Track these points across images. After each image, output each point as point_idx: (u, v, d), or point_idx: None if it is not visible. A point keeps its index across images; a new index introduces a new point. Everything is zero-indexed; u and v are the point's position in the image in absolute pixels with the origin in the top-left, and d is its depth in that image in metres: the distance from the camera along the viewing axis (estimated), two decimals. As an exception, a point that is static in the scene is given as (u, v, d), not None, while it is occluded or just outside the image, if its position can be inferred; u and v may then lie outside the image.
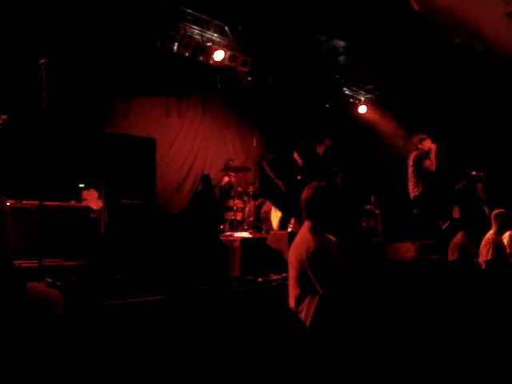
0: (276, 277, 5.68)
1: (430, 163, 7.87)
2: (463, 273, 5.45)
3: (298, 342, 3.54)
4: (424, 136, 8.10)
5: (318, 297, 3.49)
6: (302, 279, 3.61)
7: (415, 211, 8.00)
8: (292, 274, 3.72)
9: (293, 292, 3.71)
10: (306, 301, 3.57)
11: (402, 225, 8.95)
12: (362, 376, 3.30)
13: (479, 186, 9.33)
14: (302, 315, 3.58)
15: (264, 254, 6.60)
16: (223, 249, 6.59)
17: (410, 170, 8.05)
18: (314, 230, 3.73)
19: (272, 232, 8.21)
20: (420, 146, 8.02)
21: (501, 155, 10.10)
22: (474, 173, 9.29)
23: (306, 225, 3.81)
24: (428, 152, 7.94)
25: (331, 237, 3.89)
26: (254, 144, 9.25)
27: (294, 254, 3.70)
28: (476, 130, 10.54)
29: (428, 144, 7.96)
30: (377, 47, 9.68)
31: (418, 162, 7.94)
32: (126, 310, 4.01)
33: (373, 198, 11.08)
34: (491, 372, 3.77)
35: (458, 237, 5.78)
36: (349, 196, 10.65)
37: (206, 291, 4.80)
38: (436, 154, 7.93)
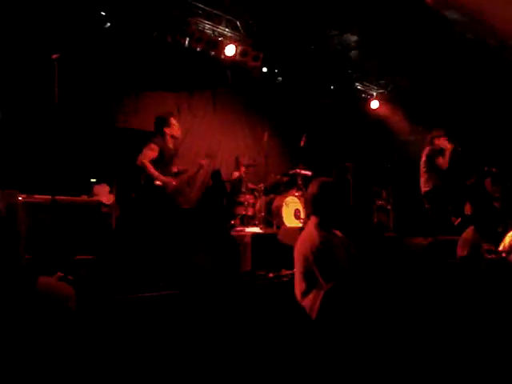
0: (287, 272, 5.68)
1: (443, 161, 7.83)
2: (472, 269, 5.39)
3: (305, 335, 3.54)
4: (441, 133, 8.05)
5: (323, 291, 3.50)
6: (307, 274, 3.61)
7: (427, 206, 7.97)
8: (298, 268, 3.73)
9: (298, 286, 3.72)
10: (312, 295, 3.58)
11: (413, 220, 8.92)
12: (366, 369, 3.29)
13: (488, 181, 9.28)
14: (308, 309, 3.59)
15: (275, 250, 6.59)
16: (234, 244, 6.58)
17: (422, 165, 8.01)
18: (320, 226, 3.73)
19: (283, 227, 8.19)
20: (437, 142, 7.98)
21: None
22: (486, 168, 9.23)
23: (312, 220, 3.81)
24: (442, 150, 7.91)
25: (338, 232, 3.89)
26: (265, 139, 9.21)
27: (300, 249, 3.71)
28: (489, 125, 10.46)
29: (445, 143, 7.92)
30: (389, 42, 9.63)
31: (431, 157, 7.90)
32: (137, 304, 4.02)
33: (384, 194, 11.03)
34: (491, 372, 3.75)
35: (468, 232, 5.71)
36: (360, 192, 10.62)
37: (217, 286, 4.80)
38: (451, 154, 7.88)
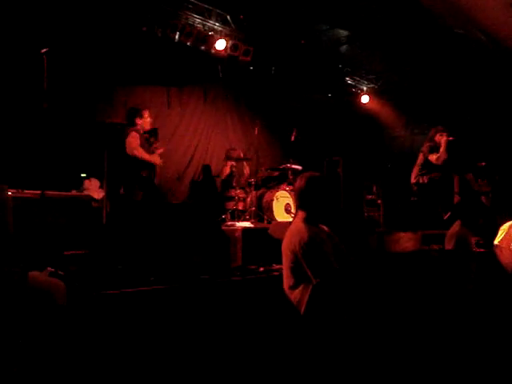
0: (278, 266, 5.68)
1: (438, 157, 7.94)
2: (459, 263, 5.42)
3: (293, 330, 3.55)
4: (441, 128, 8.17)
5: (311, 286, 3.51)
6: (295, 269, 3.62)
7: (413, 198, 8.10)
8: (286, 263, 3.74)
9: (286, 280, 3.73)
10: (300, 290, 3.59)
11: (403, 215, 8.96)
12: (355, 365, 3.31)
13: (470, 176, 9.34)
14: (296, 303, 3.60)
15: (266, 244, 6.59)
16: (225, 238, 6.58)
17: (419, 158, 8.15)
18: (307, 220, 3.74)
19: (274, 222, 8.21)
20: (435, 139, 8.11)
21: (504, 146, 10.07)
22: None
23: (300, 215, 3.82)
24: (438, 146, 8.02)
25: (324, 227, 3.90)
26: (256, 133, 9.22)
27: (288, 244, 3.72)
28: (479, 119, 10.51)
29: (443, 138, 8.02)
30: (379, 37, 9.65)
31: (427, 152, 8.04)
32: (127, 299, 4.01)
33: (375, 188, 11.07)
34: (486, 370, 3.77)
35: (455, 226, 5.76)
36: (350, 186, 10.65)
37: (207, 281, 4.80)
38: (446, 149, 7.97)
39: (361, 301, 3.54)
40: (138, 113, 7.29)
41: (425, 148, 8.15)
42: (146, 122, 7.34)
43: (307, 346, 3.38)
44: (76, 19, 7.64)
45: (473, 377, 3.66)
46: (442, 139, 8.04)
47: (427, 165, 8.05)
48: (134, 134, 7.09)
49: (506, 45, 8.42)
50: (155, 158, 7.31)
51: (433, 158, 7.97)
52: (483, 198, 9.17)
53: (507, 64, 9.23)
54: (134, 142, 7.07)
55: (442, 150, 7.96)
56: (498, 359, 3.85)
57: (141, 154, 7.07)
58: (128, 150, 7.05)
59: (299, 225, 3.72)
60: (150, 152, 7.30)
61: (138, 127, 7.24)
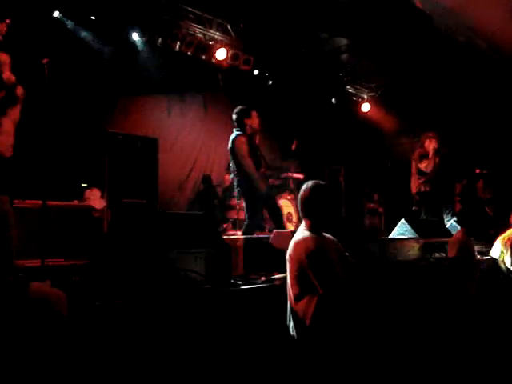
0: (279, 276, 5.66)
1: (427, 163, 7.92)
2: (461, 270, 5.41)
3: (298, 341, 3.52)
4: (431, 135, 8.14)
5: (317, 296, 3.48)
6: (300, 278, 3.60)
7: (415, 208, 8.07)
8: (291, 272, 3.71)
9: (291, 290, 3.70)
10: (305, 299, 3.56)
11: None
12: (360, 375, 3.29)
13: (480, 184, 9.33)
14: (301, 314, 3.57)
15: (267, 253, 6.57)
16: (226, 248, 6.56)
17: (413, 166, 8.14)
18: (312, 229, 3.73)
19: (275, 231, 8.18)
20: (425, 145, 8.08)
21: (504, 153, 10.07)
22: (477, 171, 9.28)
23: (304, 223, 3.80)
24: (427, 153, 8.01)
25: (329, 236, 3.88)
26: (257, 142, 9.22)
27: (293, 253, 3.69)
28: (479, 127, 10.51)
29: (431, 144, 8.00)
30: (380, 45, 9.66)
31: (417, 160, 8.03)
32: (129, 309, 3.99)
33: (376, 196, 11.07)
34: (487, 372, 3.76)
35: (458, 234, 5.77)
36: (352, 195, 10.64)
37: (209, 290, 4.78)
38: (435, 155, 7.96)
39: (366, 309, 3.52)
40: (246, 112, 6.78)
41: (416, 155, 8.14)
42: (254, 122, 6.80)
43: (312, 357, 3.36)
44: (77, 29, 7.67)
45: (475, 379, 3.65)
46: (430, 146, 8.02)
47: (419, 172, 8.05)
48: (242, 139, 6.62)
49: (508, 53, 8.44)
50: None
51: (422, 166, 7.96)
52: (487, 206, 9.18)
53: (508, 72, 9.25)
54: (243, 149, 6.56)
55: (430, 157, 7.95)
56: (499, 363, 3.84)
57: (251, 167, 6.54)
58: (239, 157, 6.56)
59: (305, 233, 3.71)
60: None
61: (247, 128, 6.72)
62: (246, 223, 6.74)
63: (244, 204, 6.80)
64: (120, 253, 5.56)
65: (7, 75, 4.93)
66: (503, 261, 6.20)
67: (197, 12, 8.89)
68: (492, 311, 5.05)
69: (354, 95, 12.48)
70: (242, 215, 9.01)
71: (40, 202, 5.37)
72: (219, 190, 9.86)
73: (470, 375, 3.72)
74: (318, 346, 3.39)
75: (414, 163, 8.14)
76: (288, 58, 10.40)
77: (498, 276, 6.14)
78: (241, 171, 6.56)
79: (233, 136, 6.66)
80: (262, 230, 7.32)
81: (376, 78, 11.89)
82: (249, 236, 6.42)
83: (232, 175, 6.85)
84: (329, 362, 3.30)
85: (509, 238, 6.26)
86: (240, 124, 6.71)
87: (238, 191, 6.67)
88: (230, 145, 6.67)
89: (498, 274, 6.16)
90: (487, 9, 7.38)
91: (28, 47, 7.03)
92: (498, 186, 9.44)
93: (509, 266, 6.12)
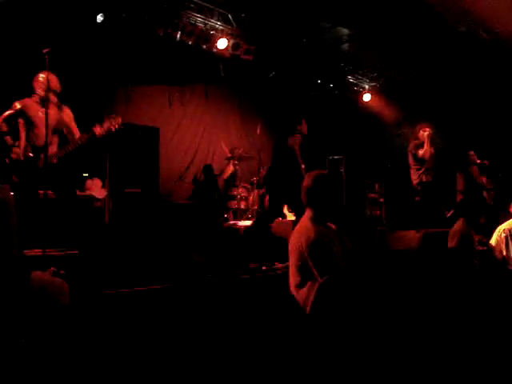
0: (280, 265, 5.68)
1: (424, 151, 7.94)
2: (462, 261, 5.42)
3: (299, 329, 3.54)
4: (424, 124, 8.16)
5: (317, 285, 3.50)
6: (301, 267, 3.60)
7: (417, 199, 8.08)
8: (292, 261, 3.72)
9: (293, 279, 3.71)
10: (306, 288, 3.57)
11: (406, 213, 8.96)
12: (360, 364, 3.30)
13: (475, 169, 9.35)
14: (302, 303, 3.58)
15: (268, 243, 6.59)
16: (227, 237, 6.59)
17: (410, 158, 8.15)
18: (314, 219, 3.72)
19: (276, 220, 8.20)
20: (419, 135, 8.09)
21: (506, 142, 10.06)
22: (478, 161, 9.28)
23: (307, 213, 3.80)
24: (423, 142, 8.01)
25: (332, 225, 3.88)
26: (258, 132, 9.22)
27: (294, 243, 3.69)
28: (481, 117, 10.49)
29: (425, 133, 8.02)
30: (381, 35, 9.61)
31: (413, 150, 8.04)
32: (131, 298, 4.01)
33: (377, 187, 11.06)
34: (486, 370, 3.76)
35: (458, 224, 5.76)
36: (353, 185, 10.64)
37: (210, 280, 4.80)
38: (430, 142, 7.98)
39: (366, 299, 3.53)
40: (299, 119, 7.38)
41: (411, 146, 8.15)
42: (304, 128, 7.40)
43: (313, 344, 3.37)
44: (77, 19, 7.63)
45: (476, 373, 3.65)
46: (424, 134, 8.04)
47: (418, 162, 8.06)
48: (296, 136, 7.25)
49: (510, 43, 8.42)
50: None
51: (419, 154, 7.98)
52: (485, 195, 9.18)
53: (510, 63, 9.22)
54: (296, 143, 7.19)
55: (425, 144, 7.96)
56: (500, 356, 3.84)
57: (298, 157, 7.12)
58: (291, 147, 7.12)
59: (306, 223, 3.71)
60: None
61: (297, 134, 7.28)
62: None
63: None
64: (121, 242, 5.58)
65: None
66: (500, 251, 6.23)
67: (198, 1, 8.84)
68: (489, 302, 5.06)
69: (355, 85, 12.44)
70: (243, 205, 9.04)
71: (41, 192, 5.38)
72: (220, 180, 9.86)
73: (470, 366, 3.73)
74: (318, 334, 3.40)
75: (410, 155, 8.15)
76: (289, 47, 10.36)
77: (494, 266, 6.16)
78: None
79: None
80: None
81: (377, 68, 11.86)
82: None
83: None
84: (329, 349, 3.32)
85: (508, 229, 6.27)
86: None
87: None
88: None
89: (493, 263, 6.19)
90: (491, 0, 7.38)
91: (28, 37, 7.04)
92: (499, 176, 9.45)
93: (506, 256, 6.14)
